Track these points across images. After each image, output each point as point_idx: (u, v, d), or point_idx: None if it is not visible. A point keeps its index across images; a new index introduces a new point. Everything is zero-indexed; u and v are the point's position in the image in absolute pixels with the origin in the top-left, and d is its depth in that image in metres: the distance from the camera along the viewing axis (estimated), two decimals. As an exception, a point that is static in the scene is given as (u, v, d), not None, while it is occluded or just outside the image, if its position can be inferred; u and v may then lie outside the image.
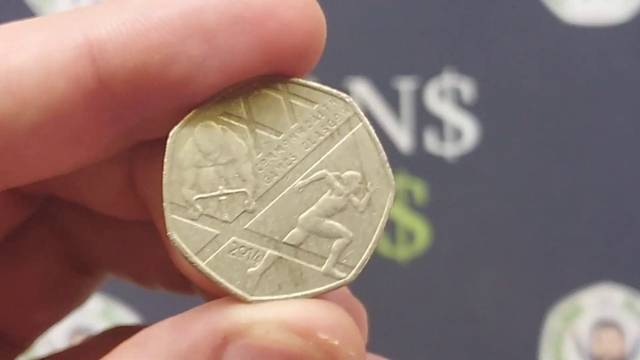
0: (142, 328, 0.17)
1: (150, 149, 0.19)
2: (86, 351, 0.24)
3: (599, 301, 0.46)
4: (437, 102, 0.48)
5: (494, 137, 0.47)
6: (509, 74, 0.47)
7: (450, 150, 0.47)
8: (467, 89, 0.48)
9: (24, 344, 0.25)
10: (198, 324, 0.16)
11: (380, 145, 0.18)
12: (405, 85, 0.48)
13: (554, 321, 0.46)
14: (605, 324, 0.46)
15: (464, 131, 0.47)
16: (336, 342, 0.16)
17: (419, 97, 0.48)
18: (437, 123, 0.48)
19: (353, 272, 0.17)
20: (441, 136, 0.48)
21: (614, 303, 0.46)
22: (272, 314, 0.16)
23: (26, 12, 0.48)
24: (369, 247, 0.17)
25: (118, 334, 0.23)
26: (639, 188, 0.47)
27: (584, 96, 0.47)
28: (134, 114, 0.17)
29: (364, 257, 0.17)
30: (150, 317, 0.26)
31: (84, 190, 0.22)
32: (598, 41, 0.47)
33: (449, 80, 0.48)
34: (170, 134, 0.17)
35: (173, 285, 0.25)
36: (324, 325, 0.16)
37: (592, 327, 0.47)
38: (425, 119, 0.47)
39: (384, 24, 0.48)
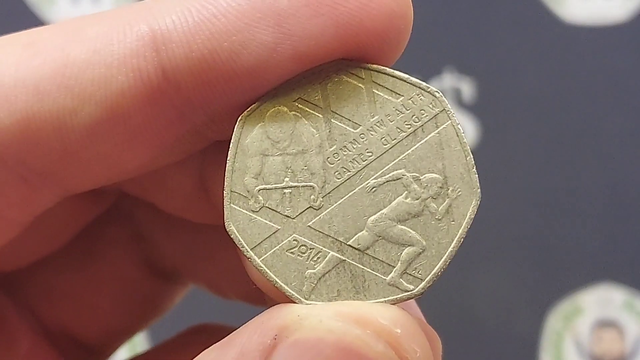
0: (226, 328, 0.16)
1: (223, 150, 0.18)
2: (170, 351, 0.23)
3: (599, 301, 0.46)
4: (437, 102, 0.48)
5: (493, 137, 0.47)
6: (509, 74, 0.47)
7: (450, 150, 0.47)
8: (467, 89, 0.47)
9: (104, 353, 0.23)
10: (245, 331, 0.15)
11: (468, 147, 0.16)
12: (405, 85, 0.48)
13: (554, 321, 0.46)
14: (605, 324, 0.46)
15: (463, 131, 0.47)
16: (398, 331, 0.14)
17: (419, 97, 0.48)
18: (437, 123, 0.48)
19: (422, 284, 0.15)
20: (441, 136, 0.48)
21: (614, 303, 0.46)
22: (326, 308, 0.15)
23: (26, 12, 0.47)
24: (443, 259, 0.16)
25: (200, 333, 0.22)
26: (639, 188, 0.47)
27: (583, 96, 0.47)
28: (201, 112, 0.16)
29: (435, 269, 0.16)
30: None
31: (154, 191, 0.21)
32: (598, 41, 0.47)
33: (449, 80, 0.48)
34: (239, 118, 0.16)
35: (247, 296, 0.23)
36: (384, 314, 0.14)
37: (592, 327, 0.47)
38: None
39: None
